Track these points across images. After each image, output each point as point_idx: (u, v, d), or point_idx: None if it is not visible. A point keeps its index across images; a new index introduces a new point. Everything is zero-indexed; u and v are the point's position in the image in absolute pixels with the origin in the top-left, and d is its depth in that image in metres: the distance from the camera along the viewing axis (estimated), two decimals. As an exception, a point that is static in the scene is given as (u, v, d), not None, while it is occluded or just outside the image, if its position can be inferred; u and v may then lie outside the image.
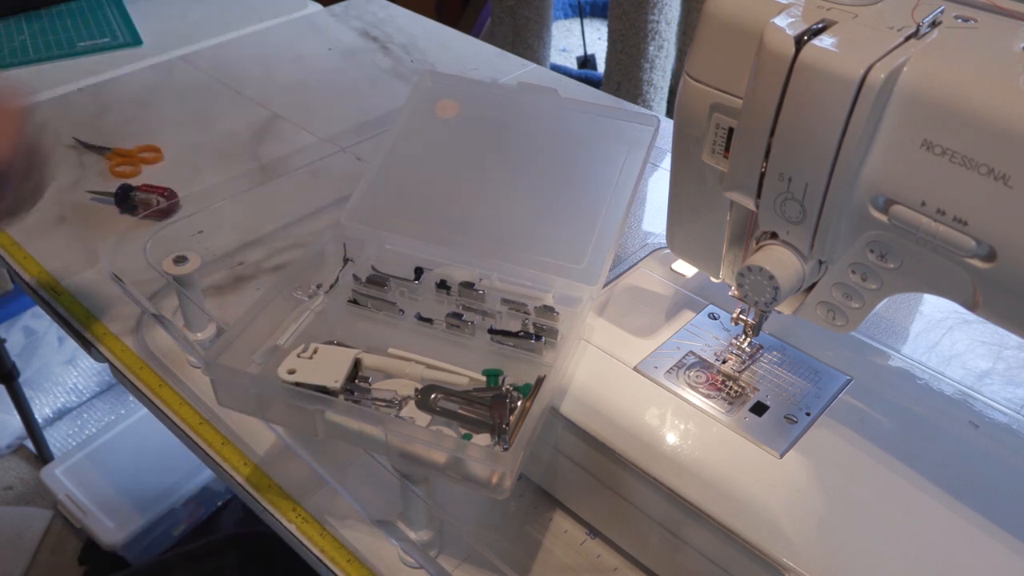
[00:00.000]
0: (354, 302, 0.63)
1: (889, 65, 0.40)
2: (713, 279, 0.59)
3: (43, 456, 1.48)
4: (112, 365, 0.72)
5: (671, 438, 0.53)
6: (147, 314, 0.72)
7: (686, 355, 0.59)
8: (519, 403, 0.53)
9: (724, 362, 0.59)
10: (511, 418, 0.52)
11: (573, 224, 0.64)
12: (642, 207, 0.90)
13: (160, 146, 0.97)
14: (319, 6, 1.30)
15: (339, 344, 0.58)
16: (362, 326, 0.63)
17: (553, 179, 0.67)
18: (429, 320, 0.62)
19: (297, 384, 0.53)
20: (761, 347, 0.60)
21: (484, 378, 0.56)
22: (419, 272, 0.65)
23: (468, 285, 0.63)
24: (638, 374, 0.58)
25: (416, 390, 0.55)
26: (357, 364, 0.56)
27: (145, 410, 0.70)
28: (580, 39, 2.50)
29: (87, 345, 0.74)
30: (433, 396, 0.55)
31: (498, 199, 0.67)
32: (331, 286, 0.64)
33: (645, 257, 0.69)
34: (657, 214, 0.88)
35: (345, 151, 0.97)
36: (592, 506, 0.59)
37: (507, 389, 0.55)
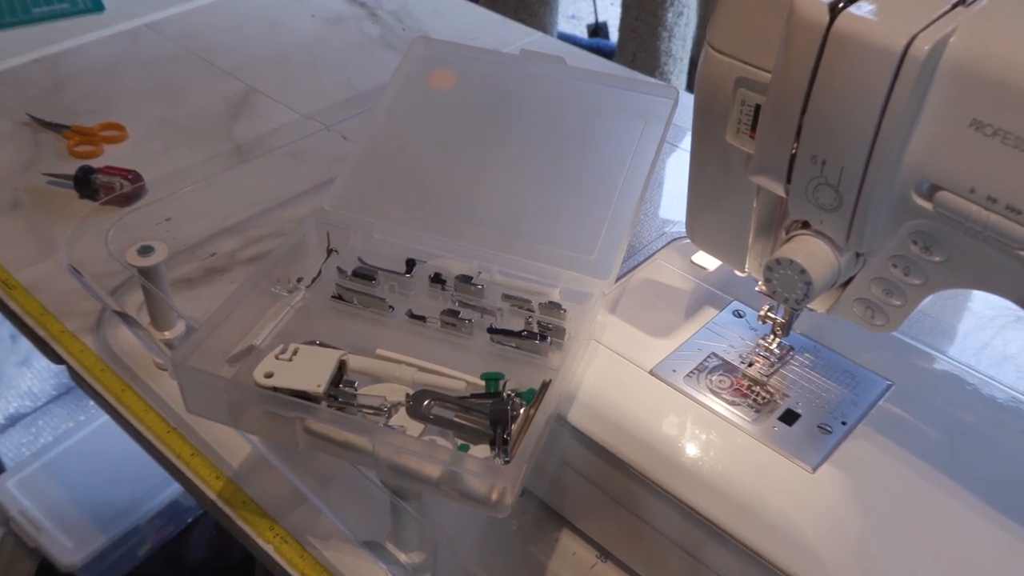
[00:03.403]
0: (338, 298, 0.64)
1: (934, 35, 0.40)
2: (738, 273, 0.59)
3: (-6, 467, 1.48)
4: (70, 367, 0.72)
5: (691, 450, 0.54)
6: (109, 311, 0.73)
7: (708, 357, 0.60)
8: (522, 410, 0.54)
9: (750, 365, 0.59)
10: (513, 427, 0.53)
11: (582, 210, 0.64)
12: (659, 192, 0.90)
13: (124, 124, 0.97)
14: (300, -33, 1.30)
15: (322, 344, 0.58)
16: (347, 324, 0.63)
17: (560, 159, 0.67)
18: (422, 318, 0.62)
19: (275, 389, 0.53)
20: (791, 348, 0.60)
21: (483, 382, 0.57)
22: (411, 264, 0.65)
23: (465, 279, 0.63)
24: (654, 378, 0.58)
25: (407, 396, 0.55)
26: (342, 367, 0.56)
27: (106, 417, 0.70)
28: (591, 4, 2.50)
29: (42, 345, 0.74)
30: (426, 403, 0.55)
31: (499, 182, 0.67)
32: (313, 280, 0.65)
33: (662, 248, 0.69)
34: (676, 200, 0.88)
35: (329, 129, 0.97)
36: (603, 525, 0.59)
37: (508, 395, 0.55)
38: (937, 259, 0.47)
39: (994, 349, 0.69)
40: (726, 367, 0.59)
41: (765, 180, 0.49)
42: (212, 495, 0.62)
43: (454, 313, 0.61)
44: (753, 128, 0.49)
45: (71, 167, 0.88)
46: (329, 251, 0.66)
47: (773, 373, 0.58)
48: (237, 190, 0.89)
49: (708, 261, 0.67)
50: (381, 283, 0.64)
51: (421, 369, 0.58)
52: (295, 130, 0.97)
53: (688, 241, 0.63)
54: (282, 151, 0.94)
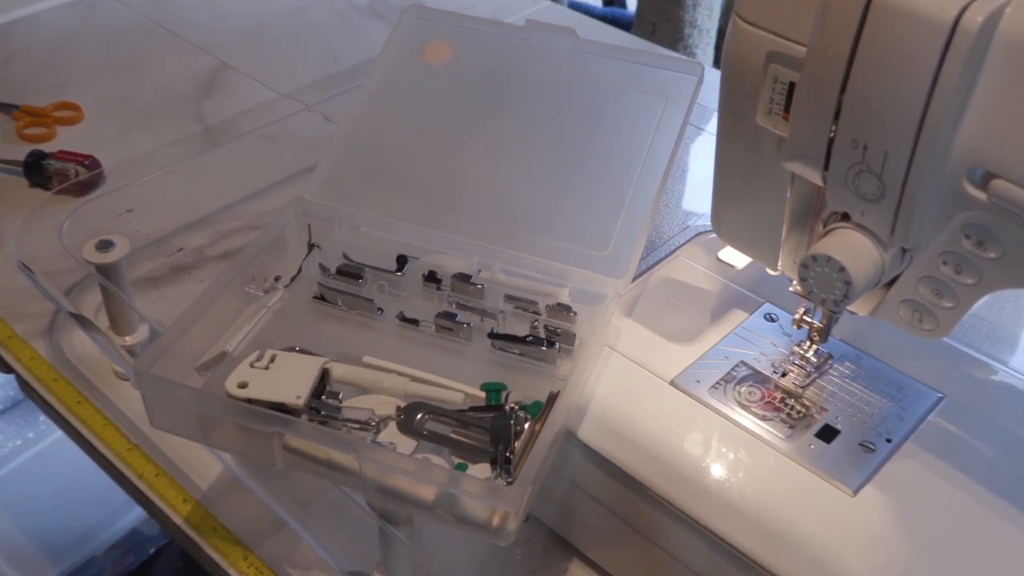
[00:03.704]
0: (321, 298, 0.64)
1: (988, 6, 0.41)
2: (770, 271, 0.60)
3: (-67, 490, 1.49)
4: (19, 376, 0.72)
5: (717, 470, 0.54)
6: (63, 312, 0.73)
7: (736, 366, 0.60)
8: (526, 425, 0.54)
9: (784, 375, 0.59)
10: (516, 444, 0.53)
11: (595, 201, 0.65)
12: (682, 180, 0.90)
13: (79, 103, 0.97)
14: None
15: (302, 351, 0.59)
16: (331, 329, 0.63)
17: (570, 143, 0.67)
18: (414, 321, 0.62)
19: (250, 401, 0.54)
20: (830, 356, 0.60)
21: (483, 394, 0.57)
22: (402, 261, 0.66)
23: (464, 278, 0.64)
24: (676, 390, 0.58)
25: (398, 409, 0.56)
26: (324, 376, 0.56)
27: (60, 432, 0.71)
28: (606, -32, 2.50)
29: (-12, 351, 0.74)
30: (419, 416, 0.55)
31: (502, 169, 0.68)
32: (292, 278, 0.65)
33: (685, 243, 0.69)
34: (700, 189, 0.89)
35: (310, 109, 0.97)
36: (617, 555, 0.59)
37: (511, 408, 0.55)
38: (992, 255, 0.47)
39: (1058, 357, 0.69)
40: (756, 377, 0.59)
41: (800, 167, 0.49)
42: (179, 520, 0.63)
43: (451, 316, 0.61)
44: (786, 108, 0.49)
45: (20, 152, 0.89)
46: (310, 246, 0.67)
47: (809, 384, 0.59)
48: (207, 178, 0.89)
49: (736, 258, 0.67)
50: (368, 282, 0.65)
51: (413, 379, 0.58)
52: (272, 110, 0.98)
53: (714, 236, 0.63)
54: (257, 134, 0.94)
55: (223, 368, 0.58)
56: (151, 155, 0.92)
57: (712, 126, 0.93)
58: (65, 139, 0.94)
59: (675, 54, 0.98)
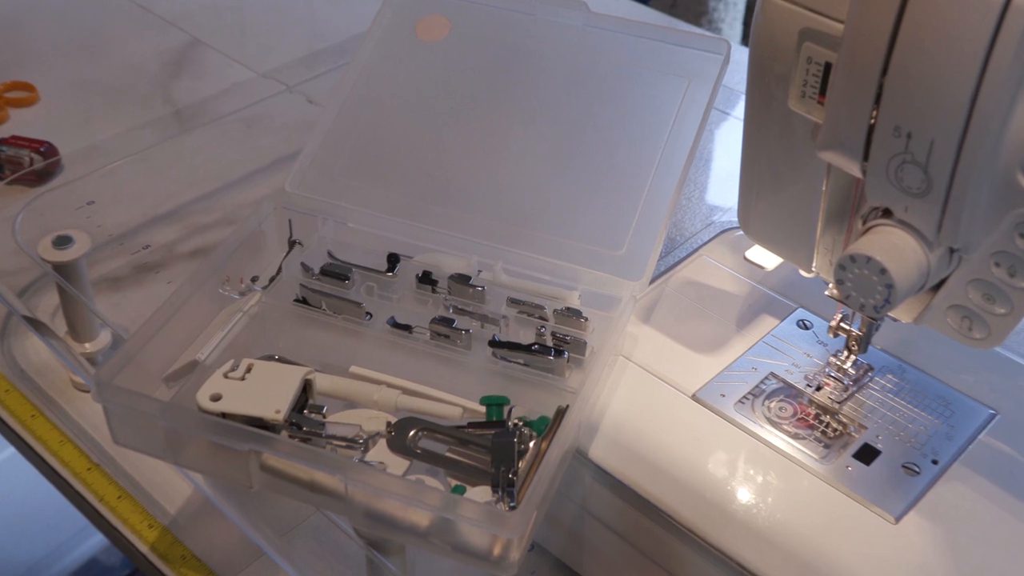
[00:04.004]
0: (303, 301, 0.64)
1: (1047, -23, 0.41)
2: (804, 273, 0.60)
3: None
4: (-33, 387, 0.73)
5: (743, 495, 0.54)
6: (16, 316, 0.73)
7: (765, 379, 0.60)
8: (531, 444, 0.54)
9: (818, 389, 0.60)
10: (520, 465, 0.53)
11: (609, 194, 0.65)
12: (705, 171, 0.90)
13: (34, 83, 0.98)
14: None
15: (282, 360, 0.59)
16: (314, 335, 0.64)
17: (581, 130, 0.68)
18: (407, 327, 0.63)
19: (224, 415, 0.54)
20: (870, 368, 0.61)
21: (483, 409, 0.57)
22: (394, 260, 0.66)
23: (462, 279, 0.64)
24: (698, 405, 0.58)
25: (388, 425, 0.56)
26: (307, 388, 0.57)
27: (12, 450, 0.71)
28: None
29: (-67, 359, 0.75)
30: (412, 433, 0.55)
31: (505, 158, 0.68)
32: (271, 279, 0.65)
33: (709, 241, 0.70)
34: (726, 181, 0.89)
35: (292, 91, 0.98)
36: (632, 588, 0.59)
37: (515, 424, 0.56)
38: (1051, 256, 0.47)
39: None
40: (788, 391, 0.60)
41: (837, 157, 0.49)
42: (144, 548, 0.63)
43: (447, 322, 0.62)
44: (822, 92, 0.50)
45: (-31, 137, 0.89)
46: (291, 243, 0.67)
47: (847, 399, 0.59)
48: (177, 167, 0.89)
49: (766, 258, 0.67)
50: (356, 283, 0.65)
51: (406, 391, 0.59)
52: (249, 92, 0.98)
53: (741, 233, 0.63)
54: (233, 118, 0.95)
55: (194, 379, 0.58)
56: (114, 141, 0.92)
57: (739, 111, 0.93)
58: (18, 123, 0.94)
59: (698, 30, 0.98)
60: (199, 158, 0.91)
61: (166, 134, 0.94)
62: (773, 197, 0.58)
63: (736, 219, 0.61)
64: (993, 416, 0.58)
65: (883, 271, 0.48)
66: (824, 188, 0.55)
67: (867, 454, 0.56)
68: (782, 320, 0.64)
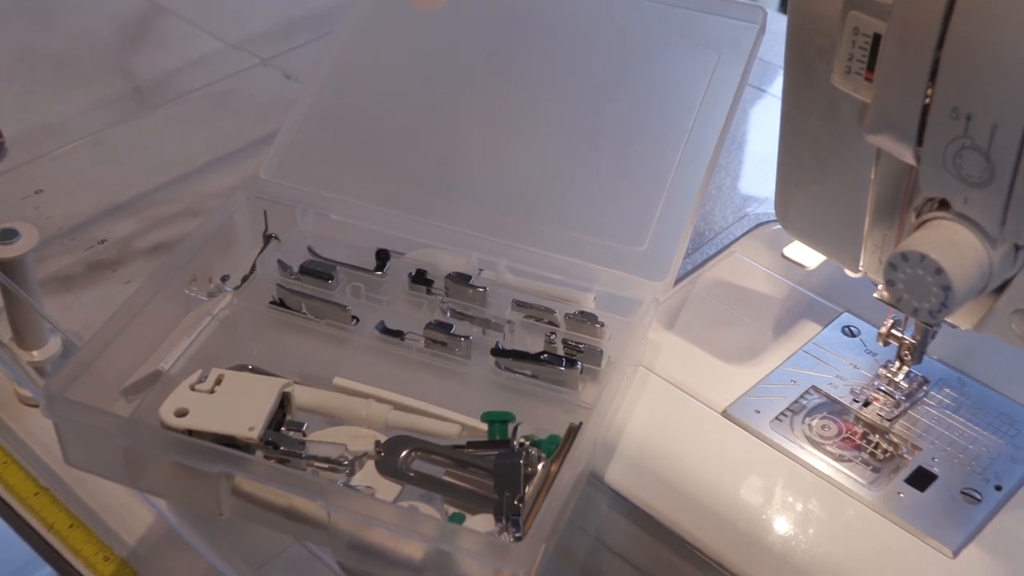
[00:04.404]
0: (280, 303, 0.64)
1: None
2: (850, 273, 0.60)
3: None
4: (-102, 401, 0.73)
5: (781, 525, 0.54)
6: (-46, 321, 0.74)
7: (806, 393, 0.60)
8: (540, 466, 0.54)
9: (867, 405, 0.60)
10: (527, 490, 0.53)
11: (629, 183, 0.65)
12: (738, 156, 0.90)
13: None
14: None
15: (256, 371, 0.59)
16: (293, 342, 0.64)
17: (598, 110, 0.68)
18: (399, 334, 0.63)
19: (190, 433, 0.54)
20: (925, 381, 0.61)
21: (485, 426, 0.57)
22: (383, 257, 0.66)
23: (461, 278, 0.64)
24: (729, 422, 0.59)
25: (378, 444, 0.56)
26: (285, 402, 0.57)
27: (-50, 472, 0.71)
28: None
29: None
30: (404, 454, 0.55)
31: (510, 142, 0.68)
32: (244, 279, 0.65)
33: (743, 236, 0.70)
34: (762, 168, 0.89)
35: (267, 64, 0.98)
36: (654, 631, 0.59)
37: (521, 444, 0.55)
38: None
39: None
40: (832, 407, 0.59)
41: (887, 141, 0.49)
42: (99, 583, 0.63)
43: (445, 327, 0.62)
44: (870, 67, 0.50)
45: None
46: (267, 238, 0.67)
47: (899, 416, 0.59)
48: (136, 151, 0.89)
49: (807, 256, 0.67)
50: (341, 283, 0.65)
51: (397, 406, 0.59)
52: (218, 65, 0.98)
53: (778, 227, 0.63)
54: (200, 95, 0.95)
55: (156, 392, 0.58)
56: (65, 122, 0.92)
57: (777, 87, 0.93)
58: (-48, 101, 0.94)
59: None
60: (161, 141, 0.90)
61: (123, 113, 0.94)
62: (815, 186, 0.58)
63: (773, 211, 0.61)
64: (1065, 436, 0.58)
65: (939, 271, 0.48)
66: (873, 177, 0.55)
67: (921, 479, 0.56)
68: (825, 326, 0.64)
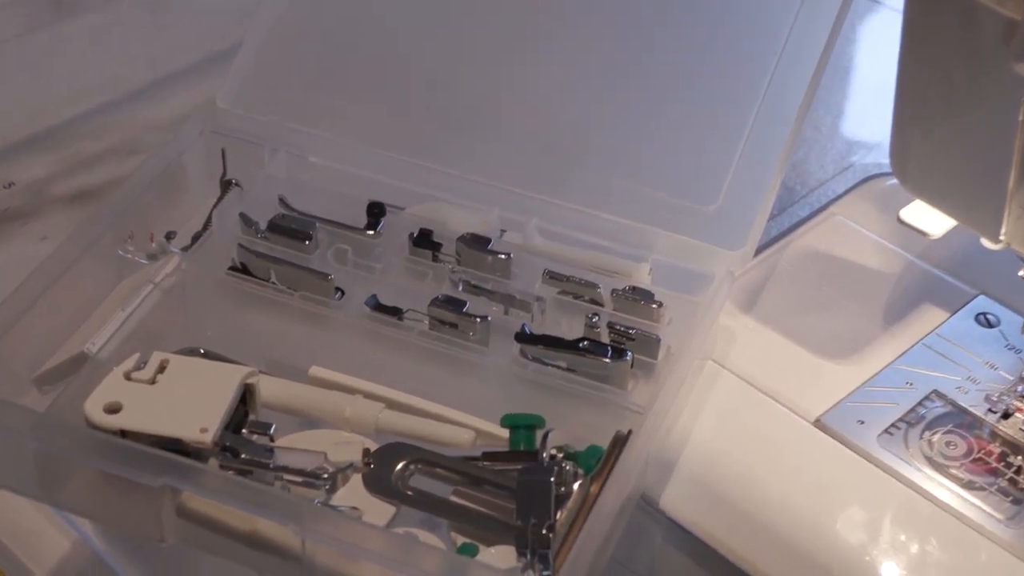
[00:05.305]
0: (242, 270, 0.65)
1: None
2: (988, 243, 0.60)
3: None
4: None
5: (891, 570, 0.54)
6: None
7: (926, 399, 0.60)
8: (576, 486, 0.54)
9: (1006, 416, 0.60)
10: (559, 516, 0.53)
11: (696, 121, 0.65)
12: (842, 88, 0.90)
13: None
14: None
15: (211, 356, 0.60)
16: (258, 319, 0.64)
17: (655, 25, 0.68)
18: (395, 311, 0.63)
19: (124, 434, 0.54)
20: (1083, 387, 0.61)
21: (506, 433, 0.58)
22: (377, 213, 0.67)
23: (478, 242, 0.64)
24: (823, 434, 0.59)
25: (366, 453, 0.56)
26: (248, 397, 0.57)
27: None
28: None
29: None
30: (401, 466, 0.56)
31: (542, 64, 0.68)
32: (196, 237, 0.66)
33: (846, 193, 0.70)
34: (873, 104, 0.89)
35: (224, -41, 0.98)
36: None
37: (552, 456, 0.56)
38: None
39: None
40: (960, 419, 0.60)
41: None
42: (3, 627, 0.63)
43: (456, 304, 0.62)
44: (1021, -27, 0.50)
45: None
46: (225, 184, 0.68)
47: (1048, 432, 0.59)
48: (54, 68, 0.90)
49: (931, 220, 0.67)
50: (322, 245, 0.66)
51: (391, 405, 0.59)
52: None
53: (894, 182, 0.63)
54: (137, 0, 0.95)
55: (81, 381, 0.59)
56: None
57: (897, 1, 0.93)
58: None
59: None
60: (86, 55, 0.91)
61: (37, 19, 0.94)
62: (944, 130, 0.58)
63: (887, 161, 0.61)
64: None
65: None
66: (1021, 119, 0.55)
67: (1076, 514, 0.57)
68: (953, 313, 0.64)
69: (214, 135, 0.68)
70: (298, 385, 0.60)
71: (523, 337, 0.61)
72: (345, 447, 0.57)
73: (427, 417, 0.59)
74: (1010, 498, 0.57)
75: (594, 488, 0.54)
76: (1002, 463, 0.58)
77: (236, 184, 0.68)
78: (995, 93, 0.55)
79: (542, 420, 0.58)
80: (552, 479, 0.54)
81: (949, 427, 0.59)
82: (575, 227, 0.65)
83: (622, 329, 0.61)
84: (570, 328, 0.62)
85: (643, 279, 0.63)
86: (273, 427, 0.56)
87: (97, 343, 0.61)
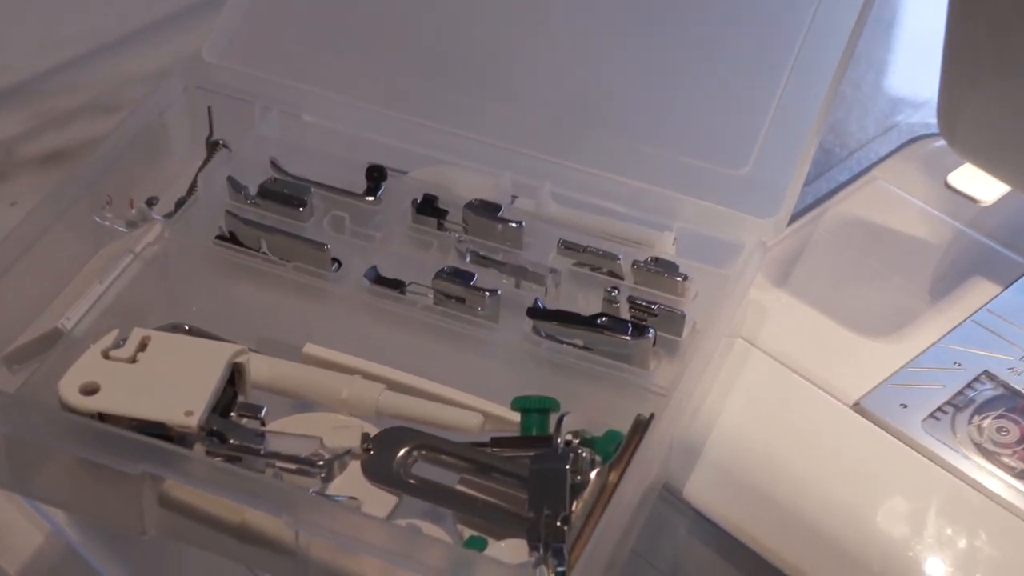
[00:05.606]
0: (230, 239, 0.65)
1: None
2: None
3: None
4: None
5: (936, 568, 0.55)
6: None
7: (975, 380, 0.61)
8: (594, 474, 0.55)
9: (1062, 399, 0.60)
10: (575, 506, 0.54)
11: (725, 77, 0.65)
12: (885, 40, 0.90)
13: None
14: None
15: (196, 332, 0.60)
16: (248, 293, 0.65)
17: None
18: (397, 284, 0.63)
19: (102, 417, 0.55)
20: None
21: (517, 416, 0.58)
22: (377, 177, 0.67)
23: (487, 209, 0.65)
24: (863, 419, 0.59)
25: (366, 439, 0.57)
26: (236, 377, 0.57)
27: None
28: None
29: None
30: (403, 453, 0.56)
31: (559, 16, 0.68)
32: (179, 203, 0.66)
33: (889, 156, 0.70)
34: (920, 59, 0.89)
35: None
36: None
37: (567, 442, 0.56)
38: None
39: None
40: (1013, 402, 0.60)
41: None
42: (-28, 625, 0.64)
43: (463, 277, 0.62)
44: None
45: None
46: (212, 145, 0.68)
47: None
48: (21, 17, 0.90)
49: (980, 185, 0.67)
50: (317, 212, 0.66)
51: (393, 386, 0.60)
52: None
53: (941, 143, 0.63)
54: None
55: (55, 359, 0.59)
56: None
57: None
58: None
59: None
60: (59, 2, 0.91)
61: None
62: (997, 86, 0.58)
63: (934, 120, 0.62)
64: None
65: None
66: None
67: None
68: (1006, 287, 0.64)
69: (199, 91, 0.68)
70: (291, 364, 0.60)
71: (536, 312, 0.61)
72: (342, 432, 0.57)
73: (431, 399, 0.59)
74: (1067, 489, 0.57)
75: (612, 477, 0.54)
76: (1060, 451, 0.58)
77: (224, 145, 0.68)
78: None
79: (556, 403, 0.58)
80: (567, 467, 0.54)
81: (1001, 411, 0.59)
82: (592, 193, 0.65)
83: (644, 304, 0.62)
84: (587, 303, 0.63)
85: (667, 249, 0.64)
86: (264, 410, 0.56)
87: (72, 318, 0.61)
